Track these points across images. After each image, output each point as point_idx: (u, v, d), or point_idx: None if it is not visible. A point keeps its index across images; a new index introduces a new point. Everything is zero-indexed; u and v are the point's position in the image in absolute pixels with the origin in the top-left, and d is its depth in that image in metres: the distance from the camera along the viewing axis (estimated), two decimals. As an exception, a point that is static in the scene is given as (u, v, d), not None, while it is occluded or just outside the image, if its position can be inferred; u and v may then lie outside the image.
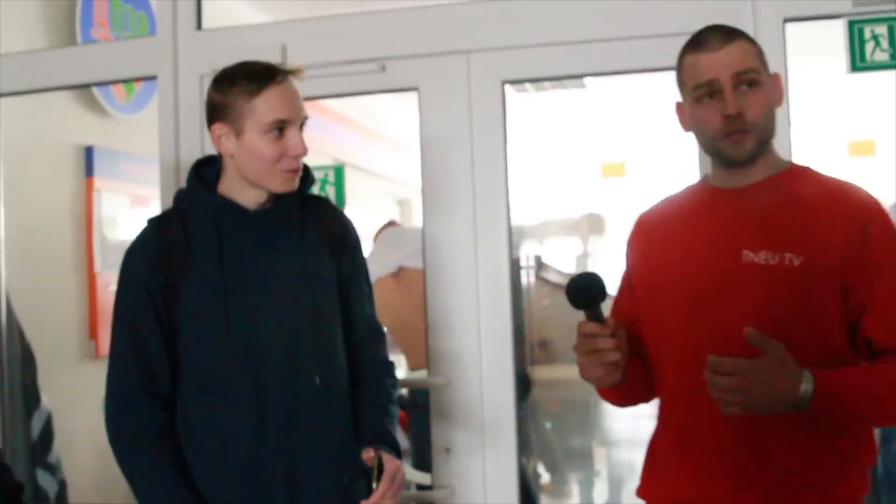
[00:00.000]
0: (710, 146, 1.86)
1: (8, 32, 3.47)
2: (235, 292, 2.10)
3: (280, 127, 2.06)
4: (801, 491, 1.75)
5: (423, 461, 3.37)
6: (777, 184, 1.84)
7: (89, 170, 4.12)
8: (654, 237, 1.98)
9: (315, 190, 3.15)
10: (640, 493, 2.00)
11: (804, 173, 1.88)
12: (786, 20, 2.77)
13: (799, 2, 2.77)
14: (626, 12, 2.87)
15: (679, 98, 1.95)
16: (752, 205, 1.82)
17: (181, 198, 2.22)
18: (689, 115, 1.90)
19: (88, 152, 4.12)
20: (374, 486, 2.06)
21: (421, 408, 3.36)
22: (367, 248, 2.46)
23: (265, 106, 2.05)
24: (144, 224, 2.21)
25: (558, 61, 2.96)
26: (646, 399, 2.06)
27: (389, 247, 4.22)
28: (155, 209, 4.26)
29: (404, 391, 4.78)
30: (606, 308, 1.83)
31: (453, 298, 3.00)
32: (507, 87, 2.99)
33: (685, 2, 2.80)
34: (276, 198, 2.16)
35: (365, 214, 7.69)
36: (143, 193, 4.29)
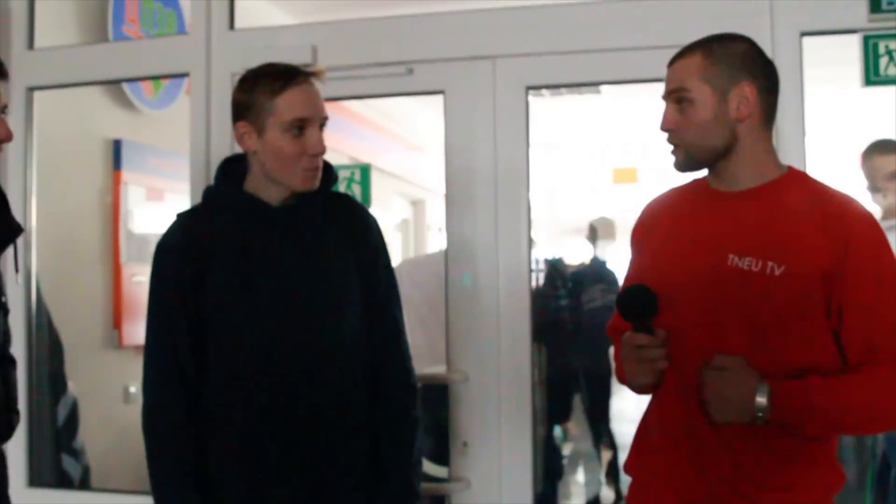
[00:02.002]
0: None
1: (42, 29, 3.54)
2: (257, 289, 2.16)
3: (300, 126, 2.12)
4: (770, 491, 1.79)
5: (440, 454, 3.44)
6: (771, 190, 1.85)
7: (117, 163, 4.22)
8: (653, 229, 2.02)
9: (341, 189, 3.25)
10: (627, 468, 2.05)
11: (799, 180, 1.89)
12: (802, 34, 2.85)
13: (816, 16, 2.85)
14: (645, 23, 2.96)
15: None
16: (743, 210, 1.84)
17: (208, 194, 2.29)
18: None
19: (117, 146, 4.21)
20: None
21: (440, 401, 3.43)
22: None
23: (286, 105, 2.11)
24: (173, 218, 2.28)
25: (580, 68, 3.04)
26: None
27: (409, 283, 4.22)
28: (170, 202, 4.37)
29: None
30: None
31: (474, 297, 3.08)
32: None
33: (703, 14, 2.87)
34: (299, 195, 2.23)
35: (379, 214, 7.75)
36: (166, 187, 4.38)
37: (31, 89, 3.47)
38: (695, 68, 1.84)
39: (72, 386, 3.61)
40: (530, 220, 3.10)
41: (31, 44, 3.49)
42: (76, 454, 3.59)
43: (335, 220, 2.28)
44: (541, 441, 3.13)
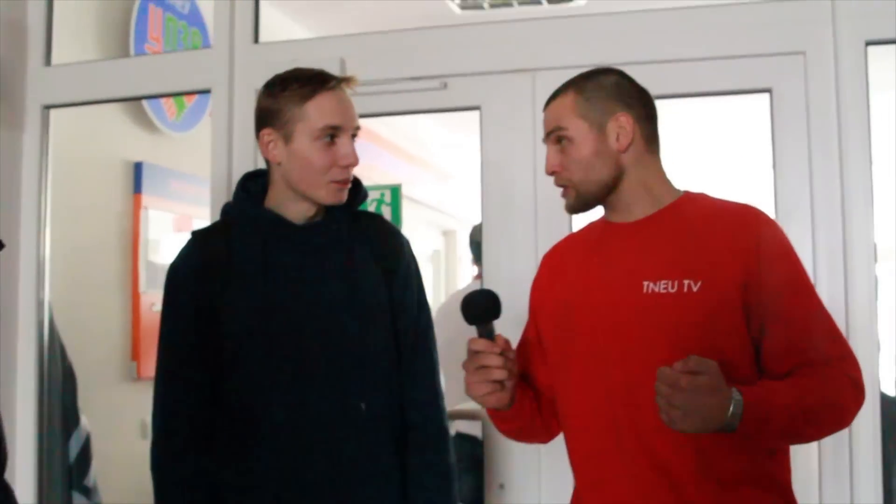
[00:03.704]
0: None
1: (61, 47, 3.41)
2: (279, 313, 2.00)
3: (331, 134, 1.98)
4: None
5: (474, 498, 3.22)
6: (668, 214, 1.84)
7: (138, 186, 4.07)
8: (557, 274, 1.98)
9: (371, 210, 3.06)
10: None
11: (697, 200, 1.87)
12: (868, 43, 2.66)
13: (882, 24, 2.65)
14: (699, 32, 2.77)
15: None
16: (648, 236, 1.82)
17: (227, 211, 2.14)
18: None
19: (137, 168, 4.07)
20: None
21: (468, 439, 3.23)
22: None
23: (317, 111, 1.97)
24: (188, 237, 2.12)
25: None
26: (541, 438, 2.06)
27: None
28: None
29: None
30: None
31: (511, 327, 2.86)
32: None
33: (762, 22, 2.70)
34: (325, 213, 2.06)
35: (412, 245, 7.62)
36: (189, 212, 4.23)
37: (48, 107, 3.32)
38: (569, 107, 1.87)
39: (85, 420, 3.44)
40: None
41: (48, 60, 3.35)
42: (88, 492, 3.41)
43: (364, 241, 2.10)
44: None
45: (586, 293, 1.85)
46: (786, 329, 1.73)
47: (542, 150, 2.82)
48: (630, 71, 2.82)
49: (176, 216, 4.21)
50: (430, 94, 2.94)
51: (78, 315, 3.66)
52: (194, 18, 4.26)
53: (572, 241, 2.06)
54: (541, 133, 2.82)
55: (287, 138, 1.99)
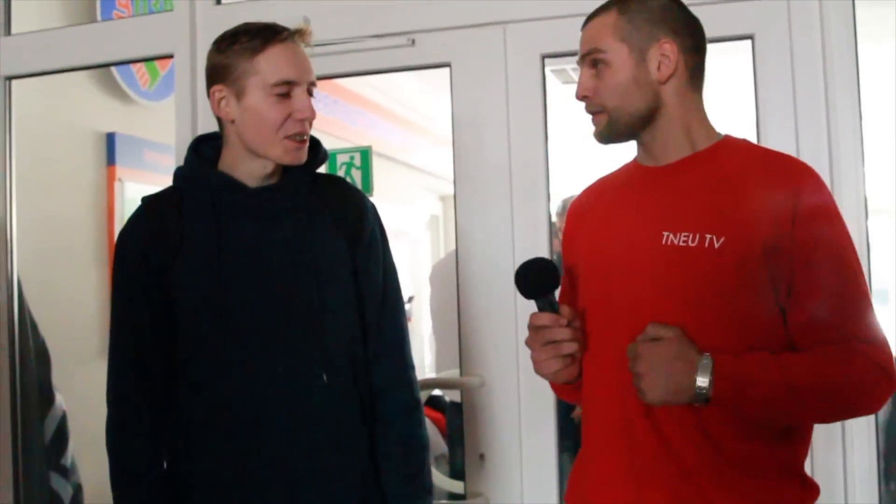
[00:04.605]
0: None
1: (24, 17, 3.30)
2: (232, 283, 1.90)
3: (285, 90, 1.87)
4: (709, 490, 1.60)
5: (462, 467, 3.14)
6: (703, 159, 1.69)
7: (111, 158, 3.96)
8: (582, 221, 1.86)
9: (341, 175, 2.95)
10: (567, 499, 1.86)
11: (736, 146, 1.72)
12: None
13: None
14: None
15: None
16: (676, 183, 1.68)
17: (178, 175, 2.03)
18: None
19: (110, 139, 3.96)
20: None
21: (459, 408, 3.14)
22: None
23: (269, 64, 1.86)
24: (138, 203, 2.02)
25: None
26: None
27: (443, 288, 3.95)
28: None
29: (438, 392, 4.60)
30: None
31: (489, 293, 2.77)
32: (552, 79, 2.75)
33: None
34: (282, 174, 1.95)
35: (408, 211, 7.54)
36: (167, 183, 4.11)
37: (9, 78, 3.21)
38: (609, 28, 1.68)
39: (60, 399, 3.35)
40: (550, 211, 2.78)
41: (8, 30, 3.24)
42: (66, 472, 3.33)
43: (325, 205, 2.00)
44: (567, 452, 2.81)
45: (606, 242, 1.73)
46: (811, 302, 1.58)
47: (515, 107, 2.76)
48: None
49: (153, 188, 4.09)
50: (398, 52, 2.83)
51: (51, 292, 3.57)
52: (166, -17, 4.13)
53: (600, 185, 1.90)
54: (514, 88, 2.75)
55: (239, 94, 1.89)
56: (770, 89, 2.57)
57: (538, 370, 1.72)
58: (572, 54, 2.74)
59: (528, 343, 1.71)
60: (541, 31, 2.73)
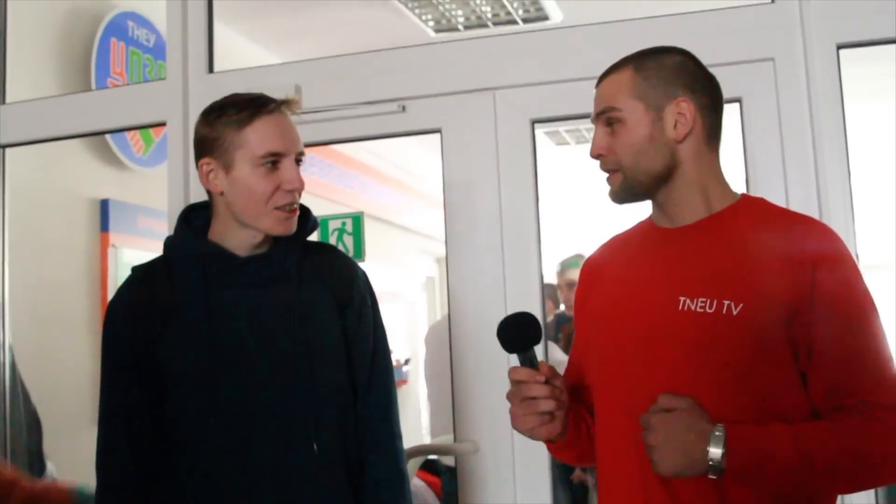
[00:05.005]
0: None
1: (20, 85, 3.33)
2: (222, 353, 1.89)
3: (273, 160, 1.87)
4: None
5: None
6: (720, 221, 1.64)
7: (105, 225, 3.95)
8: (596, 279, 1.81)
9: (332, 241, 2.96)
10: None
11: (754, 207, 1.67)
12: (839, 46, 2.56)
13: (852, 26, 2.55)
14: (665, 41, 2.65)
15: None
16: (693, 246, 1.64)
17: (167, 245, 2.03)
18: None
19: (104, 206, 3.96)
20: None
21: (454, 473, 3.10)
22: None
23: (256, 137, 1.87)
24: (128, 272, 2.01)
25: (591, 97, 2.73)
26: None
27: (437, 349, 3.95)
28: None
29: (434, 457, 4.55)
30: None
31: (481, 355, 2.76)
32: (545, 140, 2.78)
33: (727, 28, 2.62)
34: (272, 244, 1.95)
35: (403, 273, 7.55)
36: (160, 250, 4.12)
37: (3, 146, 3.23)
38: (625, 85, 1.65)
39: (51, 467, 3.31)
40: (542, 271, 2.78)
41: (3, 98, 3.27)
42: (57, 541, 3.28)
43: (316, 273, 2.00)
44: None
45: (620, 303, 1.68)
46: (831, 369, 1.52)
47: (505, 172, 2.77)
48: (586, 86, 2.73)
49: (147, 254, 4.09)
50: (390, 118, 2.86)
51: (43, 360, 3.55)
52: (160, 51, 4.16)
53: (614, 243, 1.85)
54: (504, 153, 2.77)
55: (227, 167, 1.89)
56: (759, 150, 2.59)
57: (514, 425, 1.68)
58: (562, 119, 2.80)
59: (508, 397, 1.67)
60: (530, 97, 2.75)
